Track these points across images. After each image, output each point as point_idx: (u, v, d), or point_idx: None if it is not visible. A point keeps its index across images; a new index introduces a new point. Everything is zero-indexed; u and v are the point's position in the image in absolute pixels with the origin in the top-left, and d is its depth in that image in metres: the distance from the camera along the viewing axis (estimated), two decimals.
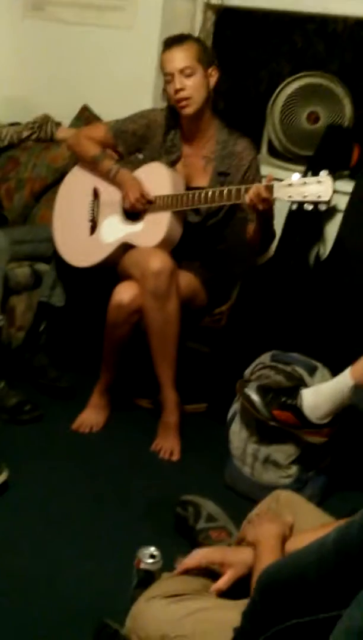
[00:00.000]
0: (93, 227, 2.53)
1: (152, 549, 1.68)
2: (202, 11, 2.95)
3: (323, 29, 3.59)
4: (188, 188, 2.42)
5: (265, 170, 2.62)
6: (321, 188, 2.05)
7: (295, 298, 2.48)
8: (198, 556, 1.54)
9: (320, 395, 2.00)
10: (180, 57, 2.27)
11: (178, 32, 2.43)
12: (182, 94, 2.29)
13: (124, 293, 2.31)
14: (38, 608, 1.67)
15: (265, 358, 2.25)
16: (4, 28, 3.33)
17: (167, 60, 2.30)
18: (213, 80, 2.35)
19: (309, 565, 1.09)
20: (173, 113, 2.45)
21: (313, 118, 2.81)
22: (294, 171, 2.45)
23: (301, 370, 2.14)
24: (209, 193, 2.27)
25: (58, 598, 1.71)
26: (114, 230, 2.48)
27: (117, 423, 2.53)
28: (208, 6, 2.94)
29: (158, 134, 2.48)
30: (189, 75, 2.28)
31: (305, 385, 2.09)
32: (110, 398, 2.52)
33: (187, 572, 1.54)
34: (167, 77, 2.31)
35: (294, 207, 2.09)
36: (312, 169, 2.47)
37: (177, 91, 2.29)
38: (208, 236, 2.52)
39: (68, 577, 1.78)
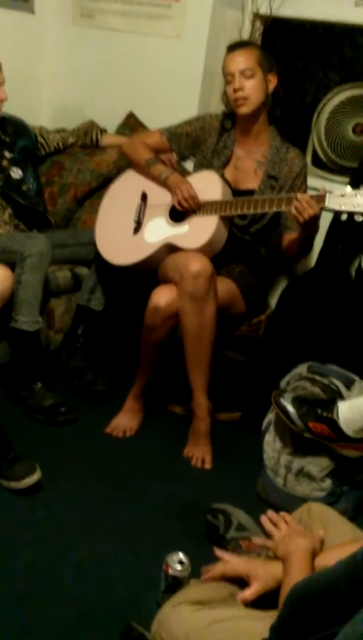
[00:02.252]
0: (137, 228, 2.54)
1: (181, 556, 1.68)
2: (250, 21, 2.95)
3: None
4: (237, 190, 2.45)
5: (308, 181, 2.62)
6: None
7: (334, 310, 2.45)
8: (222, 567, 1.54)
9: (356, 408, 1.96)
10: (242, 59, 2.35)
11: (226, 42, 2.48)
12: (240, 94, 2.35)
13: (162, 297, 2.32)
14: (64, 606, 1.68)
15: (302, 369, 2.23)
16: (53, 35, 3.38)
17: (229, 62, 2.38)
18: (271, 85, 2.41)
19: (339, 577, 1.08)
20: (228, 117, 2.51)
21: (360, 130, 2.79)
22: (338, 182, 2.46)
23: (338, 383, 2.12)
24: (260, 200, 2.28)
25: (85, 597, 1.72)
26: (158, 231, 2.49)
27: (151, 428, 2.53)
28: (257, 16, 2.95)
29: (211, 136, 2.53)
30: (249, 77, 2.34)
31: (342, 398, 2.06)
32: (144, 403, 2.53)
33: (214, 579, 1.54)
34: (228, 77, 2.38)
35: (344, 217, 2.12)
36: (357, 180, 2.46)
37: (236, 90, 2.35)
38: (251, 242, 2.52)
39: (96, 577, 1.79)
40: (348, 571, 1.07)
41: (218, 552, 1.60)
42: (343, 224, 2.37)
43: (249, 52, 2.36)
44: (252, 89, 2.35)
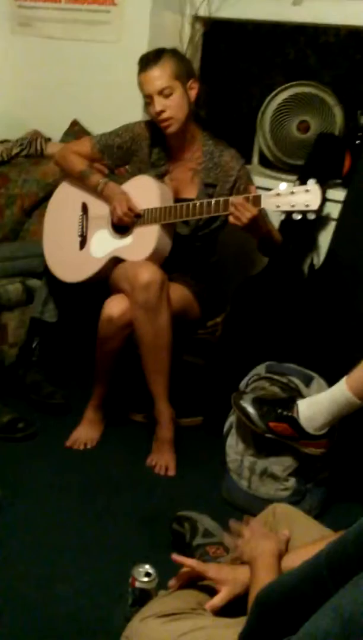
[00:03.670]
0: (83, 242, 2.51)
1: (147, 567, 1.64)
2: (190, 24, 2.94)
3: (315, 41, 3.60)
4: (177, 200, 2.41)
5: (256, 180, 2.61)
6: (309, 197, 2.05)
7: (289, 308, 2.45)
8: (193, 564, 1.50)
9: (316, 405, 1.96)
10: (157, 77, 2.23)
11: (166, 45, 2.40)
12: (164, 115, 2.27)
13: (114, 307, 2.28)
14: (31, 623, 1.64)
15: (260, 369, 2.22)
16: None
17: (144, 82, 2.26)
18: (193, 92, 2.32)
19: (304, 579, 1.06)
20: (157, 127, 2.41)
21: (304, 127, 2.80)
22: (286, 181, 2.44)
23: (297, 381, 2.11)
24: (198, 204, 2.25)
25: (52, 614, 1.68)
26: (104, 244, 2.46)
27: (112, 438, 2.49)
28: (196, 19, 2.94)
29: (143, 146, 2.46)
30: (168, 95, 2.25)
31: (301, 396, 2.06)
32: (104, 413, 2.49)
33: (182, 587, 1.50)
34: (146, 98, 2.29)
35: (282, 217, 2.10)
36: (304, 178, 2.46)
37: (158, 113, 2.27)
38: (199, 248, 2.50)
39: (63, 592, 1.75)
40: (313, 572, 1.05)
41: (177, 557, 1.55)
42: (293, 222, 2.38)
43: (163, 67, 2.23)
44: (175, 108, 2.25)
